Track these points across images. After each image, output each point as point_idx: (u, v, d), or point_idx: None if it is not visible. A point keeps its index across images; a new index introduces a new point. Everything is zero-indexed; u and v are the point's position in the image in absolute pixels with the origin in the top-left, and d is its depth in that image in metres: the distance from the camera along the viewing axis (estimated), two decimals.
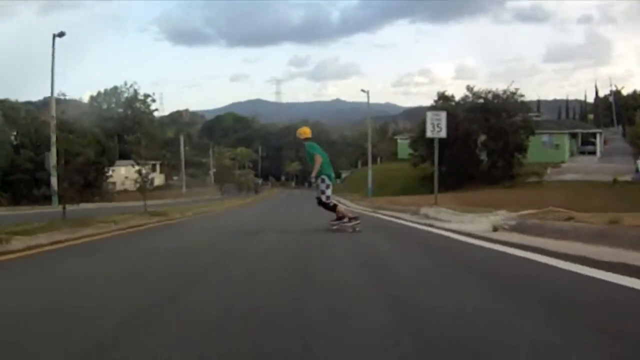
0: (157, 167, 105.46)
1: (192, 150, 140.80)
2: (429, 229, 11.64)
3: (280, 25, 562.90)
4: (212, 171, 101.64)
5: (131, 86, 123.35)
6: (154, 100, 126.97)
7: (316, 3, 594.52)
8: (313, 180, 11.73)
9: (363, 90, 48.62)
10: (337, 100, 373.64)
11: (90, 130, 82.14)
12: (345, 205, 27.83)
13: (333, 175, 11.85)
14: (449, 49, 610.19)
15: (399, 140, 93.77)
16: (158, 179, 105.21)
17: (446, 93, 60.46)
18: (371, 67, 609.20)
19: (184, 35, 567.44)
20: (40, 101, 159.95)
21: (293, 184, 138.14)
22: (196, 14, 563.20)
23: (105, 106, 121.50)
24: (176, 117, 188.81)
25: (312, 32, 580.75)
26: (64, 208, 14.63)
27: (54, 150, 38.72)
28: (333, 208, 11.41)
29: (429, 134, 19.58)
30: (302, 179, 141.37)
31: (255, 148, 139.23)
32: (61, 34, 37.10)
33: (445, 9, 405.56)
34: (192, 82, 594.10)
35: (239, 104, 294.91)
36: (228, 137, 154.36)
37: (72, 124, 79.59)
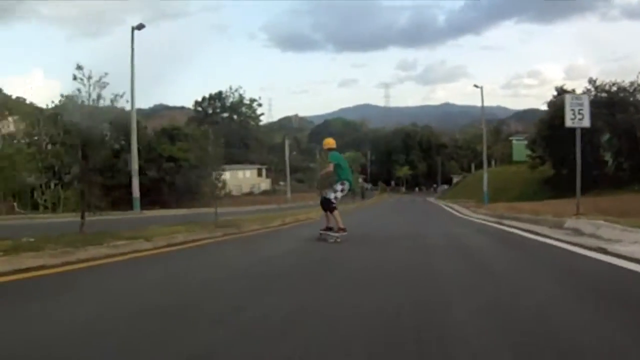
0: (263, 171, 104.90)
1: (299, 155, 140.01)
2: (602, 256, 7.20)
3: (387, 29, 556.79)
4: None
5: (236, 91, 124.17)
6: (260, 105, 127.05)
7: (422, 5, 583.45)
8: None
9: (476, 86, 43.90)
10: (446, 104, 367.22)
11: (192, 136, 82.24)
12: (462, 213, 24.29)
13: (352, 181, 12.18)
14: (557, 49, 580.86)
15: (514, 142, 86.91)
16: (264, 183, 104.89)
17: (565, 87, 54.09)
18: (479, 70, 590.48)
19: (292, 41, 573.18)
20: (150, 108, 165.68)
21: (403, 189, 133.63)
22: (303, 20, 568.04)
23: (210, 111, 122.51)
24: (285, 123, 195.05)
25: (418, 35, 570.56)
26: (82, 218, 11.35)
27: (134, 150, 35.56)
28: (331, 210, 11.23)
29: (568, 123, 15.19)
30: (413, 183, 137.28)
31: (364, 152, 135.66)
32: (140, 27, 34.93)
33: (550, 8, 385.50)
34: (301, 87, 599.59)
35: (348, 109, 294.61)
36: (336, 142, 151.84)
37: (170, 130, 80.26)
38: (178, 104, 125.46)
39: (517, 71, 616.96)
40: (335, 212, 11.22)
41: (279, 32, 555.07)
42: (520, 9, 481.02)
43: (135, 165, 35.18)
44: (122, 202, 60.94)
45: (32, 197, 43.70)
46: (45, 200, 44.08)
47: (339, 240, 10.76)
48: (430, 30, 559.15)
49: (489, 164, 77.02)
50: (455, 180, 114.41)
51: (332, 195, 11.37)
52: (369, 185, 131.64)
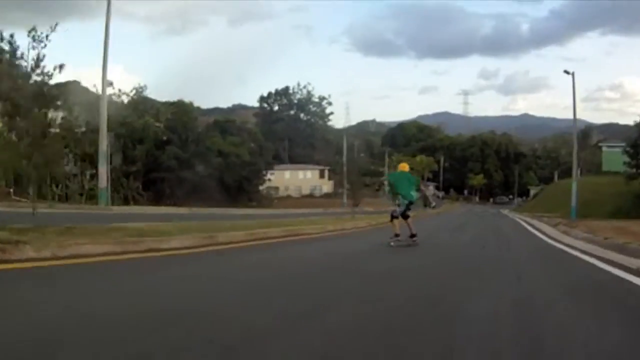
0: (326, 173, 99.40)
1: (370, 158, 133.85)
2: None
3: (469, 36, 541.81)
4: (385, 180, 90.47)
5: (304, 87, 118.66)
6: (330, 104, 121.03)
7: (505, 13, 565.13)
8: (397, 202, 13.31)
9: (567, 72, 36.05)
10: (526, 115, 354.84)
11: (247, 129, 77.81)
12: (549, 235, 17.82)
13: (412, 195, 13.25)
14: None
15: (604, 149, 75.60)
16: (326, 186, 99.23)
17: None
18: (561, 81, 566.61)
19: (374, 46, 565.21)
20: (228, 108, 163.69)
21: (476, 198, 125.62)
22: (386, 25, 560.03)
23: (276, 107, 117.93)
24: (363, 127, 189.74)
25: (501, 43, 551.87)
26: None
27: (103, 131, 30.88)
28: (391, 219, 13.20)
29: None
30: (487, 193, 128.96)
31: (438, 159, 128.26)
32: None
33: (637, 19, 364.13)
34: (381, 93, 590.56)
35: (426, 116, 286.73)
36: (410, 146, 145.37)
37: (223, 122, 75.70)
38: (257, 104, 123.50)
39: (598, 84, 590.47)
40: (395, 221, 12.92)
41: (361, 37, 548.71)
42: (605, 20, 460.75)
43: (103, 147, 29.73)
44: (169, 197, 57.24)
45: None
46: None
47: (392, 244, 12.41)
48: (513, 39, 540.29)
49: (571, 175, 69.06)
50: (532, 192, 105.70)
51: (397, 209, 13.05)
52: (440, 193, 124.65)
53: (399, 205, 12.97)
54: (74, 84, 48.52)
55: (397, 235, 12.58)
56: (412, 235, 12.86)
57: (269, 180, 77.42)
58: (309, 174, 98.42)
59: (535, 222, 28.56)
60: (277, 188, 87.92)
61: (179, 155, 59.64)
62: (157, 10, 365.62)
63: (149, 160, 57.15)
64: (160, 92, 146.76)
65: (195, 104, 75.51)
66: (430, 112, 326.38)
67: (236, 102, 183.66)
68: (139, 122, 56.39)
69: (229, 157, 65.72)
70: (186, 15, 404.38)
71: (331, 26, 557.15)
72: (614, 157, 59.62)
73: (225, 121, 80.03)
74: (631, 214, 35.47)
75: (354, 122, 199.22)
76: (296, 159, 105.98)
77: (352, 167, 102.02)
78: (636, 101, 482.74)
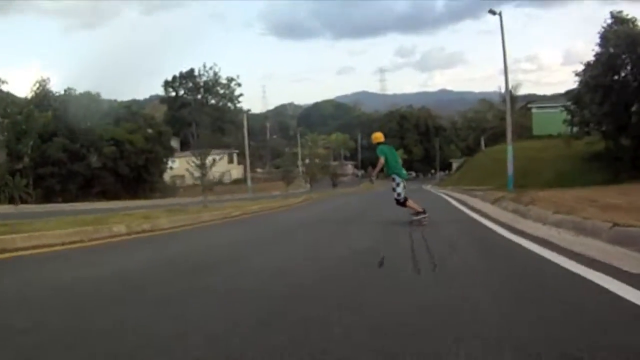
0: (235, 157, 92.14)
1: (285, 140, 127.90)
2: None
3: (385, 15, 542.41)
4: (300, 162, 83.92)
5: (210, 69, 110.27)
6: (239, 85, 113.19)
7: None
8: (374, 179, 13.86)
9: (492, 12, 29.23)
10: (443, 90, 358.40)
11: (142, 115, 70.12)
12: (489, 215, 12.83)
13: (403, 172, 11.92)
14: (556, 34, 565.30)
15: (534, 111, 67.52)
16: (235, 170, 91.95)
17: (625, 14, 37.91)
18: (477, 55, 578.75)
19: (290, 30, 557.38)
20: (145, 99, 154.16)
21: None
22: (300, 7, 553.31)
23: (182, 92, 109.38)
24: (281, 110, 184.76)
25: (417, 20, 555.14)
26: None
27: None
28: (404, 205, 11.53)
29: None
30: (408, 169, 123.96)
31: (355, 137, 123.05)
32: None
33: None
34: (298, 76, 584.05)
35: (345, 97, 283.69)
36: (327, 126, 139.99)
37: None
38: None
39: (515, 56, 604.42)
40: (409, 202, 11.45)
41: (275, 20, 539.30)
42: None
43: None
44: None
45: None
46: None
47: (425, 221, 10.94)
48: (429, 15, 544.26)
49: (497, 141, 62.89)
50: (455, 165, 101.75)
51: (395, 195, 11.56)
52: (359, 172, 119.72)
53: (398, 185, 11.48)
54: None
55: (421, 212, 11.19)
56: (417, 213, 11.28)
57: (171, 168, 69.95)
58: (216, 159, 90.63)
59: (465, 197, 21.89)
60: (182, 176, 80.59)
61: (68, 147, 54.27)
62: (69, 4, 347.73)
63: (36, 155, 52.52)
64: (77, 87, 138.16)
65: (113, 97, 71.67)
66: (348, 92, 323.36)
67: (153, 93, 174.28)
68: (22, 114, 50.62)
69: (123, 145, 58.39)
70: (99, 7, 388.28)
71: (245, 11, 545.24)
72: (546, 119, 54.91)
73: (119, 107, 72.22)
74: (577, 181, 30.27)
75: (271, 107, 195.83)
76: (205, 145, 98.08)
77: (263, 150, 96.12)
78: (553, 71, 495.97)
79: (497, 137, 64.37)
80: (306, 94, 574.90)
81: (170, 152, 70.50)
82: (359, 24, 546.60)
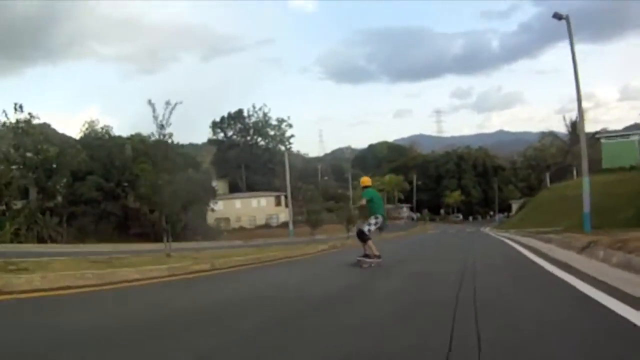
0: (282, 199, 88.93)
1: (335, 182, 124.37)
2: None
3: (440, 57, 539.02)
4: (352, 205, 79.65)
5: (260, 109, 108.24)
6: (290, 126, 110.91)
7: (474, 31, 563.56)
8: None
9: (558, 16, 24.68)
10: (500, 132, 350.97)
11: (183, 154, 67.89)
12: (565, 262, 9.52)
13: (385, 215, 12.60)
14: (611, 70, 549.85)
15: (603, 141, 59.94)
16: (284, 214, 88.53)
17: None
18: (534, 95, 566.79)
19: (346, 73, 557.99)
20: (203, 143, 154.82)
21: (454, 217, 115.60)
22: (357, 52, 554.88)
23: (230, 133, 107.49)
24: (337, 154, 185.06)
25: (472, 62, 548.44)
26: None
27: None
28: (365, 240, 11.99)
29: None
30: (466, 212, 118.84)
31: (410, 179, 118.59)
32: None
33: (604, 27, 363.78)
34: (355, 119, 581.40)
35: (401, 139, 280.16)
36: (381, 167, 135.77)
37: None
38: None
39: (571, 95, 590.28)
40: (369, 242, 11.90)
41: (333, 65, 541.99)
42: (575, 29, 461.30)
43: None
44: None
45: None
46: None
47: (373, 265, 11.59)
48: (484, 55, 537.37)
49: (569, 176, 56.57)
50: (515, 206, 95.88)
51: (366, 228, 12.17)
52: (415, 215, 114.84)
53: (376, 224, 12.19)
54: None
55: (377, 256, 11.78)
56: (366, 256, 11.86)
57: (212, 210, 67.26)
58: (263, 201, 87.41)
59: (535, 243, 17.48)
60: (227, 219, 78.10)
61: (102, 186, 52.28)
62: (127, 50, 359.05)
63: (68, 193, 51.28)
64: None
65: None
66: (405, 135, 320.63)
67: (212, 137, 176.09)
68: (53, 151, 48.93)
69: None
70: (156, 54, 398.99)
71: (302, 56, 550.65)
72: (617, 149, 49.76)
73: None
74: None
75: (328, 150, 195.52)
76: (255, 187, 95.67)
77: (312, 193, 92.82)
78: (610, 108, 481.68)
79: (563, 173, 58.81)
80: (363, 138, 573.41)
81: (214, 194, 67.95)
82: (415, 66, 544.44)
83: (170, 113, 15.04)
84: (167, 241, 16.46)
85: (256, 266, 13.35)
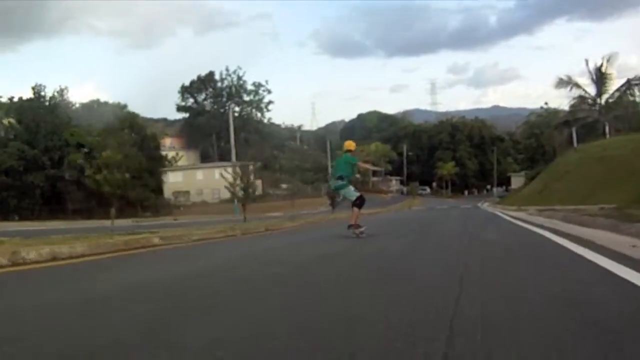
0: (250, 170, 79.67)
1: (323, 153, 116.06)
2: None
3: (437, 32, 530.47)
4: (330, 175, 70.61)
5: (234, 72, 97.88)
6: (268, 91, 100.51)
7: (472, 7, 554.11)
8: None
9: None
10: (496, 107, 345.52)
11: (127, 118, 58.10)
12: None
13: (345, 180, 11.83)
14: (608, 46, 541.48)
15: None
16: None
17: None
18: (531, 71, 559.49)
19: (342, 48, 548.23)
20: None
21: (447, 191, 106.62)
22: (353, 27, 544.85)
23: (201, 98, 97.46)
24: (331, 128, 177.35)
25: (470, 37, 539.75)
26: None
27: None
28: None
29: None
30: (462, 185, 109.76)
31: (401, 150, 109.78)
32: None
33: (601, 4, 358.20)
34: (351, 94, 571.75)
35: (397, 114, 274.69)
36: (371, 138, 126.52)
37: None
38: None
39: (568, 71, 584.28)
40: (355, 209, 11.44)
41: (328, 39, 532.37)
42: (572, 6, 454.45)
43: None
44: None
45: None
46: None
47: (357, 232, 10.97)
48: (481, 31, 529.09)
49: (597, 135, 45.21)
50: (514, 179, 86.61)
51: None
52: (406, 189, 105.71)
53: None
54: None
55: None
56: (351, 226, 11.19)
57: (163, 182, 57.93)
58: (229, 173, 77.62)
59: (603, 236, 8.62)
60: (187, 192, 68.79)
61: (26, 154, 43.71)
62: (121, 24, 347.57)
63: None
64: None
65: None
66: (400, 109, 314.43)
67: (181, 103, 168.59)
68: None
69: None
70: (151, 28, 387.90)
71: (297, 31, 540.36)
72: None
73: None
74: None
75: (322, 124, 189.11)
76: (227, 158, 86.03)
77: (287, 162, 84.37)
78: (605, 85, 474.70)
79: (587, 132, 46.41)
80: (358, 112, 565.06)
81: (167, 165, 58.45)
82: (411, 41, 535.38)
83: None
84: None
85: None
